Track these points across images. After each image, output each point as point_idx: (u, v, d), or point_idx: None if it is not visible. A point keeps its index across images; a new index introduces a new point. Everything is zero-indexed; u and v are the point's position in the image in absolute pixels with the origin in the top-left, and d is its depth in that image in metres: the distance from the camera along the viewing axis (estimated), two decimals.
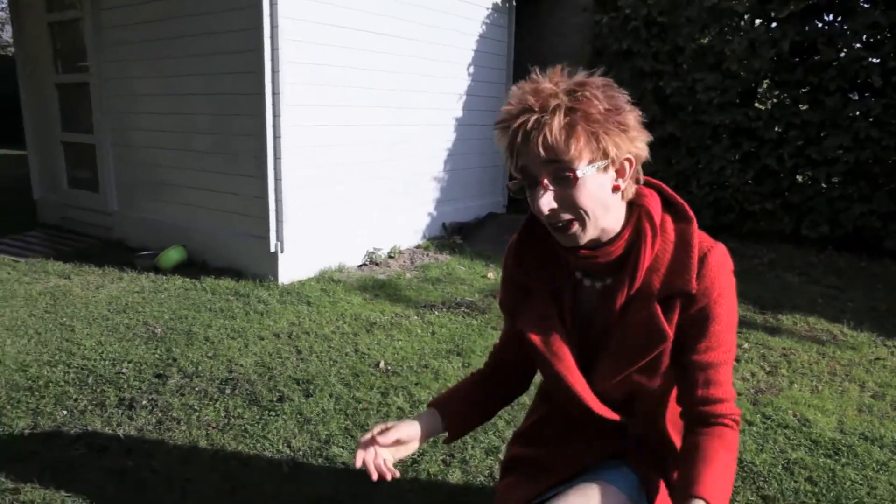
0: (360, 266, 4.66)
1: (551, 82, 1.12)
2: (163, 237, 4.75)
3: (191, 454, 2.21)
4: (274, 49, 3.89)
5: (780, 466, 2.17)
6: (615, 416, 1.26)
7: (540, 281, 1.28)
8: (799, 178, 5.22)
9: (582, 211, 1.12)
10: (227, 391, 2.65)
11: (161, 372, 2.83)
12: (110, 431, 2.35)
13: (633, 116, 1.13)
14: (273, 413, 2.47)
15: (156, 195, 4.94)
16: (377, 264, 4.69)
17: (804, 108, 5.01)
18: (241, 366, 2.90)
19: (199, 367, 2.87)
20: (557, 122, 1.07)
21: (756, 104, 5.32)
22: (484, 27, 5.66)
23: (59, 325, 3.40)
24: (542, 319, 1.26)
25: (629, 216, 1.20)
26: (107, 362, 2.93)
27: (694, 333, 1.18)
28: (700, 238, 1.19)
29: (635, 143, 1.14)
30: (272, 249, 4.11)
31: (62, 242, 5.28)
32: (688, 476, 1.14)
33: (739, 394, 2.70)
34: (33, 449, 2.22)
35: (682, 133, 5.50)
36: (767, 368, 2.99)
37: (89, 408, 2.51)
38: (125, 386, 2.69)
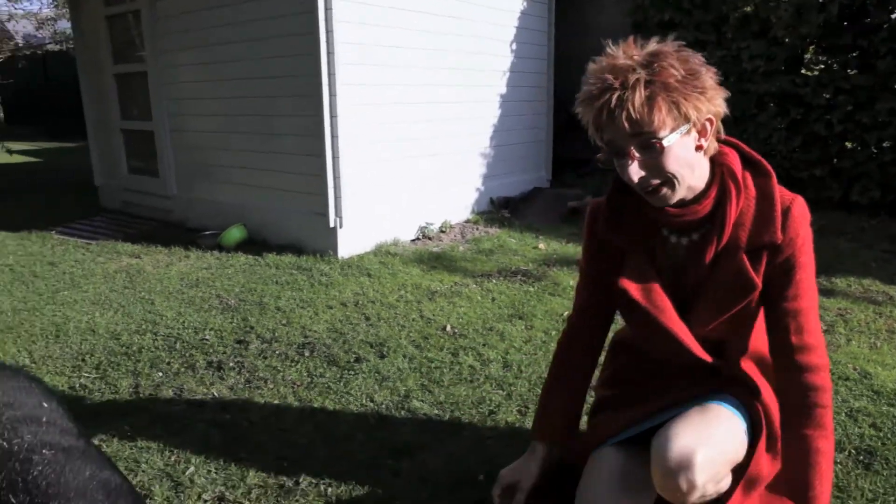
0: (413, 240, 4.81)
1: (626, 56, 1.18)
2: (222, 218, 4.96)
3: (281, 409, 2.38)
4: (329, 31, 4.02)
5: (843, 414, 2.25)
6: (710, 359, 1.36)
7: (634, 241, 1.38)
8: (848, 143, 5.18)
9: (670, 174, 1.21)
10: (306, 354, 2.82)
11: (241, 338, 3.02)
12: (204, 390, 2.54)
13: (709, 77, 1.19)
14: (352, 372, 2.64)
15: (214, 177, 5.15)
16: (429, 238, 4.83)
17: (853, 72, 4.97)
18: (315, 332, 3.07)
19: (276, 334, 3.05)
20: (639, 96, 1.13)
21: (803, 70, 5.28)
22: (525, 4, 5.71)
23: (139, 298, 3.62)
24: (640, 276, 1.36)
25: (713, 174, 1.29)
26: (190, 330, 3.12)
27: (782, 282, 1.27)
28: (780, 192, 1.28)
29: (714, 102, 1.20)
30: (331, 225, 4.27)
31: (127, 225, 5.54)
32: (801, 484, 1.24)
33: None
34: (139, 404, 2.42)
35: (727, 102, 5.48)
36: (824, 327, 3.05)
37: (182, 370, 2.71)
38: (211, 351, 2.88)
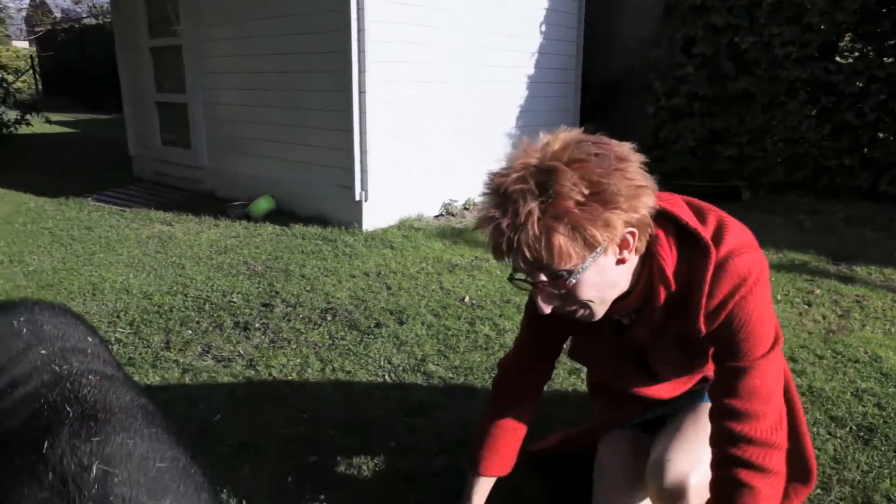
0: (436, 216, 4.89)
1: (518, 173, 1.02)
2: (251, 189, 5.09)
3: (304, 366, 2.50)
4: (360, 9, 4.09)
5: (849, 393, 2.29)
6: (678, 392, 1.43)
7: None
8: (880, 133, 5.12)
9: (586, 302, 1.11)
10: (329, 318, 2.94)
11: (267, 302, 3.14)
12: (231, 348, 2.66)
13: (624, 179, 1.01)
14: (372, 336, 2.74)
15: (244, 150, 5.27)
16: (453, 215, 4.91)
17: (889, 60, 4.90)
18: (338, 298, 3.18)
19: (300, 299, 3.17)
20: (532, 236, 0.99)
21: (837, 58, 5.22)
22: None
23: (170, 263, 3.77)
24: (592, 341, 1.40)
25: (641, 265, 1.15)
26: (218, 293, 3.26)
27: (723, 344, 1.18)
28: (725, 244, 1.13)
29: (635, 210, 1.03)
30: (357, 198, 4.37)
31: (159, 194, 5.71)
32: None
33: (809, 333, 2.80)
34: (170, 358, 2.56)
35: (756, 89, 5.45)
36: (839, 312, 3.07)
37: (210, 329, 2.84)
38: (238, 312, 3.01)
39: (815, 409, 2.19)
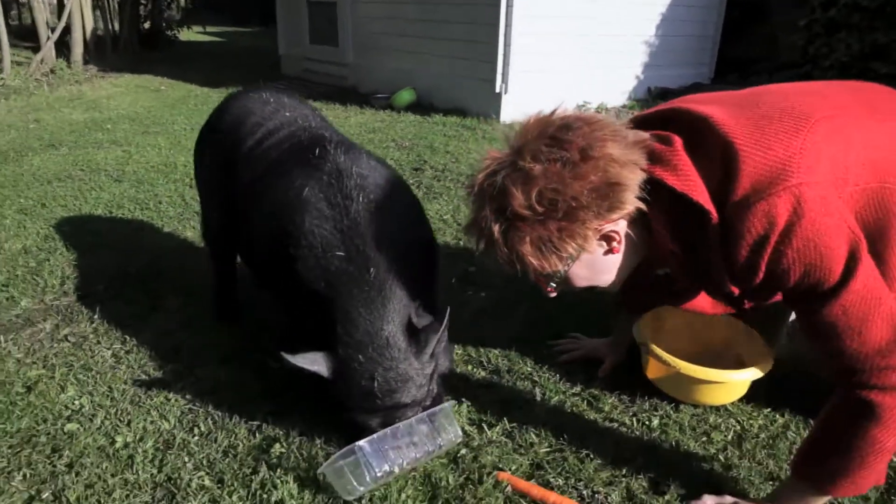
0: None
1: (478, 188, 1.02)
2: (392, 84, 5.39)
3: (457, 211, 2.78)
4: None
5: None
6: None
7: None
8: None
9: (584, 289, 1.12)
10: None
11: (417, 167, 3.45)
12: None
13: (585, 186, 0.95)
14: None
15: (388, 46, 5.56)
16: None
17: None
18: None
19: (446, 167, 3.45)
20: (503, 253, 1.01)
21: None
22: None
23: None
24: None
25: (645, 234, 1.08)
26: None
27: (780, 294, 1.06)
28: (740, 197, 0.96)
29: (611, 210, 0.98)
30: (497, 90, 4.56)
31: (306, 87, 6.16)
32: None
33: None
34: None
35: None
36: None
37: None
38: None
39: None
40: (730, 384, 1.49)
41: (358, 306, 1.23)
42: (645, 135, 1.02)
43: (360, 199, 1.29)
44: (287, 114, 1.61)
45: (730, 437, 1.43)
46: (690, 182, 0.98)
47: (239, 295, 1.97)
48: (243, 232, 1.55)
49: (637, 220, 1.05)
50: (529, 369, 1.66)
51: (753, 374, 1.45)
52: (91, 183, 3.18)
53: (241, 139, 1.58)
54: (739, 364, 1.52)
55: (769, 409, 1.51)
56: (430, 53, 5.13)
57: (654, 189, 0.99)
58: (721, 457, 1.37)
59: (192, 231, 2.60)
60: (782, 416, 1.49)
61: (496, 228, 0.98)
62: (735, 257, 0.98)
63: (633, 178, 0.97)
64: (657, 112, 1.14)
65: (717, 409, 1.51)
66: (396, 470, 1.23)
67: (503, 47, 4.48)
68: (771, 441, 1.42)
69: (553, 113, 1.03)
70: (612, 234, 1.03)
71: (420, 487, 1.26)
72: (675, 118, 1.08)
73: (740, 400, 1.52)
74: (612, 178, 0.95)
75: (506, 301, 2.01)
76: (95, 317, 1.90)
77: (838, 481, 1.06)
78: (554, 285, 1.09)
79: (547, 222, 0.96)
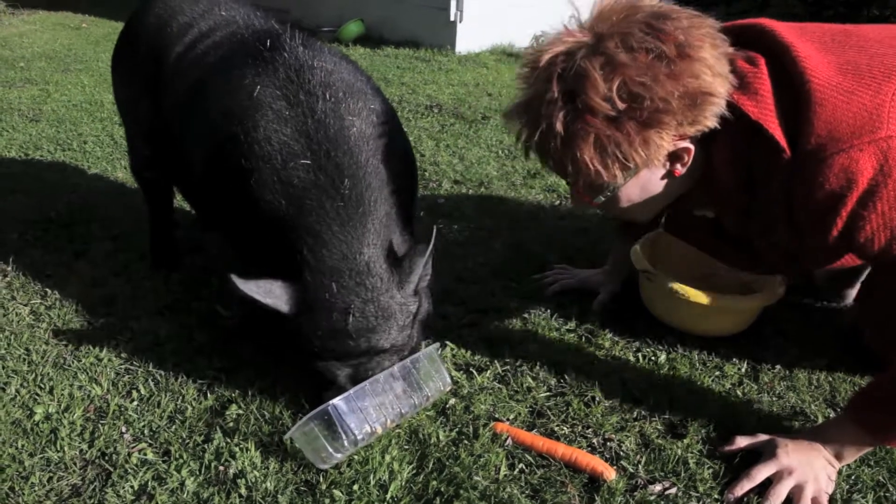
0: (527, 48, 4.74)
1: (547, 70, 0.86)
2: (338, 16, 5.00)
3: (418, 143, 2.55)
4: None
5: None
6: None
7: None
8: None
9: (624, 215, 1.01)
10: (435, 111, 2.96)
11: None
12: None
13: (676, 88, 0.81)
14: (480, 124, 2.77)
15: None
16: None
17: None
18: (440, 98, 3.19)
19: (404, 98, 3.19)
20: (555, 146, 0.86)
21: None
22: None
23: None
24: (686, 218, 1.21)
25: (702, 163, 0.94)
26: None
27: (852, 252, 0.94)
28: (820, 142, 0.83)
29: (695, 123, 0.84)
30: (451, 18, 4.26)
31: None
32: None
33: None
34: None
35: None
36: None
37: None
38: None
39: None
40: (741, 311, 1.34)
41: (331, 224, 1.00)
42: (731, 49, 0.87)
43: (328, 96, 1.05)
44: (223, 13, 1.33)
45: (744, 369, 1.29)
46: (768, 112, 0.86)
47: (180, 237, 1.72)
48: (178, 158, 1.29)
49: (697, 146, 0.91)
50: (516, 304, 1.48)
51: (766, 299, 1.32)
52: (2, 124, 2.81)
53: (168, 45, 1.31)
54: (746, 290, 1.38)
55: (781, 339, 1.38)
56: None
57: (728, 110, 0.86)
58: (738, 391, 1.23)
59: (123, 172, 2.30)
60: (794, 347, 1.36)
61: (558, 116, 0.83)
62: (801, 211, 0.87)
63: (723, 93, 0.85)
64: (736, 26, 0.95)
65: (726, 340, 1.36)
66: (378, 429, 1.04)
67: None
68: (788, 372, 1.29)
69: None
70: (682, 153, 0.89)
71: (406, 447, 1.08)
72: (754, 38, 0.91)
73: (747, 330, 1.38)
74: (706, 87, 0.82)
75: (481, 233, 1.82)
76: (8, 269, 1.62)
77: None
78: (601, 200, 0.95)
79: (622, 122, 0.82)
